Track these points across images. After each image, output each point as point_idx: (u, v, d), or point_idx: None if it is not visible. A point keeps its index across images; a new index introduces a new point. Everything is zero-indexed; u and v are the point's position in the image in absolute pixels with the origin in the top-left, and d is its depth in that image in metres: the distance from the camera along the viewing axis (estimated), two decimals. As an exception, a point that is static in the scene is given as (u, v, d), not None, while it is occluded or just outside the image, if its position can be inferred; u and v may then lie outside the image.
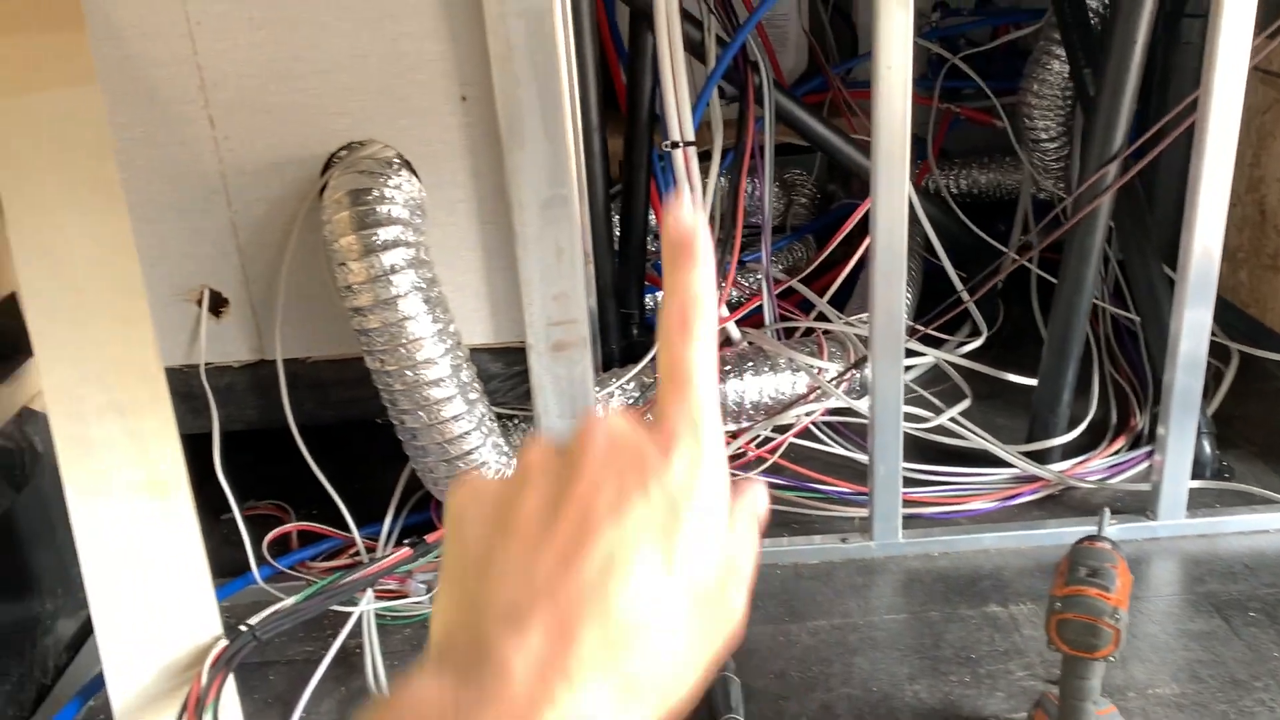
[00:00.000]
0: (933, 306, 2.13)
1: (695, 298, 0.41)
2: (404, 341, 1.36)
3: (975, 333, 2.08)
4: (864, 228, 2.05)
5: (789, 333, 1.99)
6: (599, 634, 0.34)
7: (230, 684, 1.29)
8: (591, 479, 0.37)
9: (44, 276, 1.27)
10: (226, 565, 1.63)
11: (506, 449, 1.54)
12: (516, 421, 1.63)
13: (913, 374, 2.03)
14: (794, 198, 2.61)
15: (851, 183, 2.55)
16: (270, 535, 1.67)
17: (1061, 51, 1.99)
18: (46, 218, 1.26)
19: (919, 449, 1.81)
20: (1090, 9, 1.91)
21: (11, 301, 1.39)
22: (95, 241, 1.27)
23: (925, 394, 1.91)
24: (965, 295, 1.95)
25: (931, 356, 1.91)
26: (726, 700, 1.31)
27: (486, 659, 0.33)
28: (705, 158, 1.90)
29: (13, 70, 1.25)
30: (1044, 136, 2.13)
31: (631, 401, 1.74)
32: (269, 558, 1.64)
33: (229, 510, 1.59)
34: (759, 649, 1.45)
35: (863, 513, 1.65)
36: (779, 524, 1.70)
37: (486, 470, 1.49)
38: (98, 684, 1.29)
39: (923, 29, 2.49)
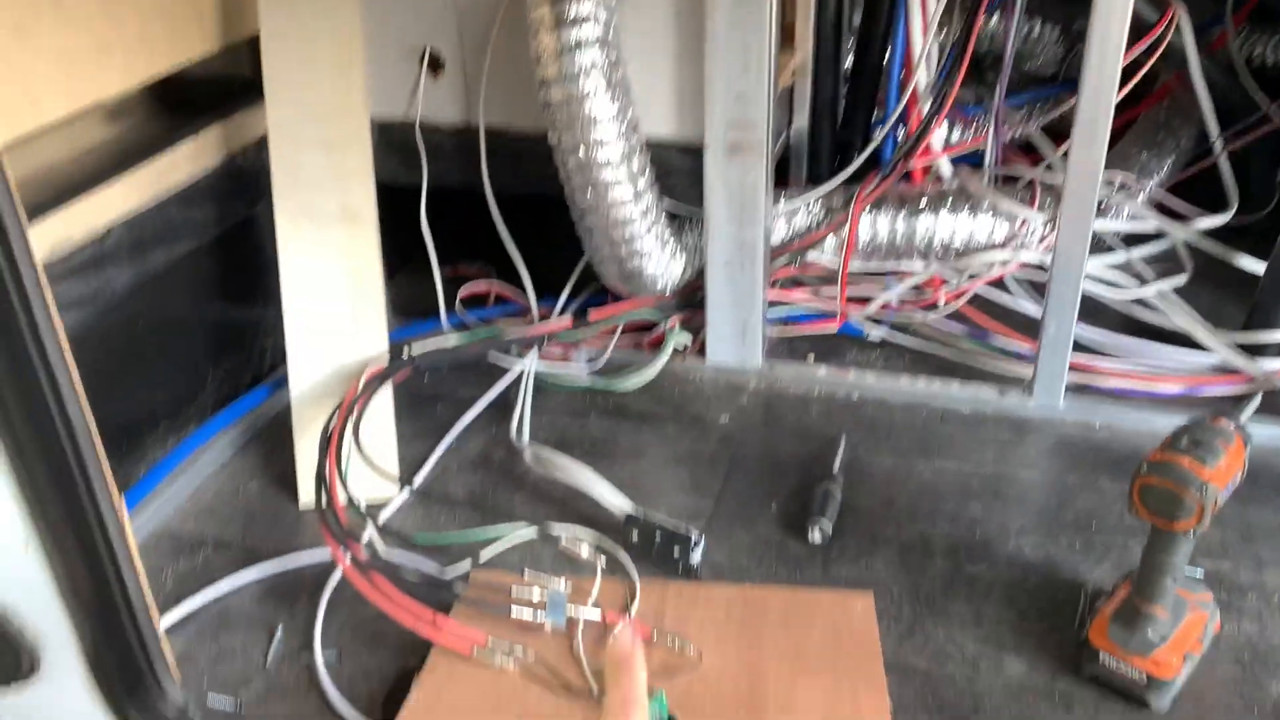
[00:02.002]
0: (1201, 184, 1.94)
1: (636, 699, 0.63)
2: (581, 118, 1.42)
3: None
4: (1142, 87, 1.88)
5: (1012, 182, 1.88)
6: None
7: (386, 396, 1.47)
8: None
9: (280, 21, 1.43)
10: (429, 312, 1.83)
11: (673, 245, 1.59)
12: (693, 222, 1.67)
13: (1148, 248, 1.87)
14: (1078, 47, 2.39)
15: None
16: (465, 290, 1.84)
17: None
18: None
19: (1118, 319, 1.69)
20: None
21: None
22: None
23: (1140, 264, 1.76)
24: (1223, 163, 1.74)
25: (1156, 225, 1.74)
26: (822, 508, 1.34)
27: None
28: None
29: None
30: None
31: (816, 224, 1.72)
32: (460, 310, 1.81)
33: (445, 266, 1.76)
34: (875, 475, 1.46)
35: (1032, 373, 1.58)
36: (942, 369, 1.67)
37: (647, 261, 1.56)
38: (285, 379, 1.51)
39: None
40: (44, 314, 0.89)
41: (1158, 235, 1.86)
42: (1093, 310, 1.69)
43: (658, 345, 1.70)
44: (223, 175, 1.52)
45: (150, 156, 1.40)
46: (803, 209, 1.72)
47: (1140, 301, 1.67)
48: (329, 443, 1.30)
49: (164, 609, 1.26)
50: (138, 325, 1.43)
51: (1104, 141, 1.36)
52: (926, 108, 1.73)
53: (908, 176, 1.80)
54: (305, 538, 1.39)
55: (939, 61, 1.75)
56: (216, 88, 1.60)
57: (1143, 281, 1.68)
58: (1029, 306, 1.75)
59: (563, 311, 1.77)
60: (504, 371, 1.68)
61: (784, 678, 1.11)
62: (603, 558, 1.27)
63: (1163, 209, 1.88)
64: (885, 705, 1.08)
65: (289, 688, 1.17)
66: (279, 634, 1.23)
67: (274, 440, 1.57)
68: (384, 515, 1.40)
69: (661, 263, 1.58)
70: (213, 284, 1.56)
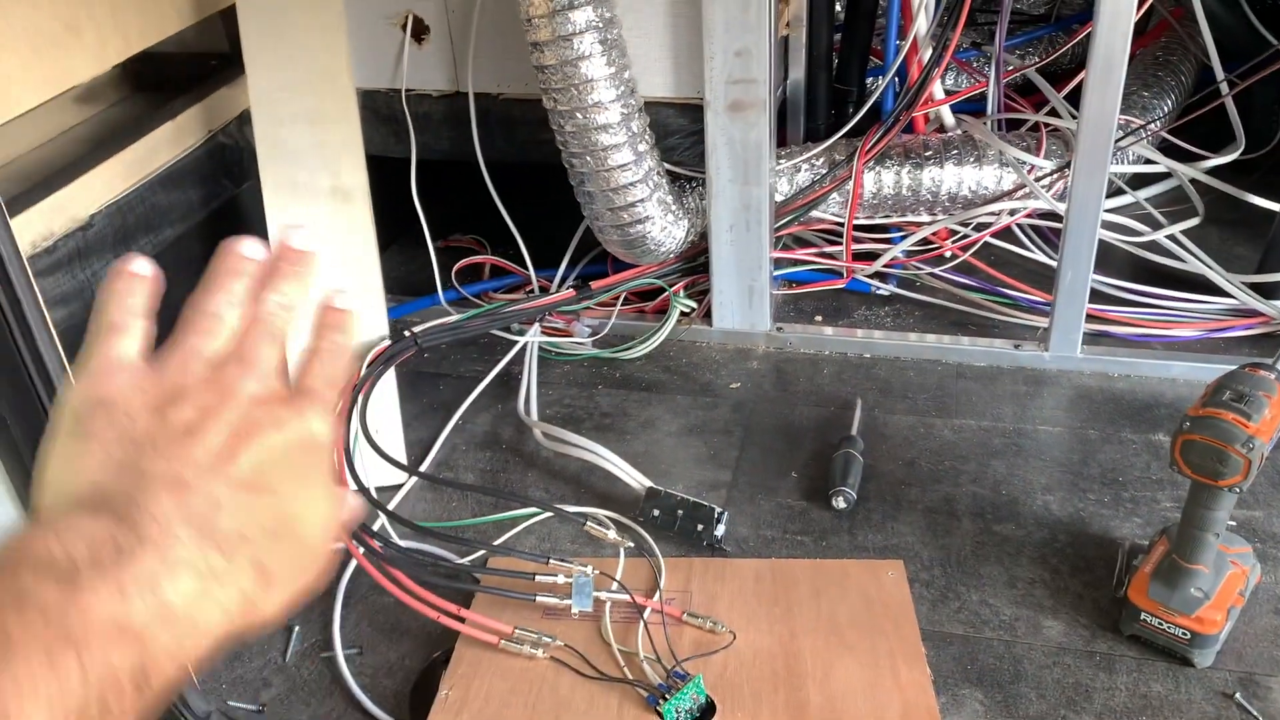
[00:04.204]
0: (1201, 120, 1.90)
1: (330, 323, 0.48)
2: (576, 82, 1.37)
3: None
4: (1139, 23, 1.83)
5: (1016, 126, 1.84)
6: (237, 514, 0.40)
7: (390, 378, 1.42)
8: (245, 416, 0.42)
9: (256, -14, 1.36)
10: (423, 287, 1.77)
11: (675, 208, 1.54)
12: (693, 184, 1.62)
13: (1154, 189, 1.84)
14: (1067, -15, 2.34)
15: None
16: (459, 264, 1.79)
17: None
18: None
19: (1132, 266, 1.66)
20: None
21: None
22: (301, -45, 1.34)
23: (1149, 207, 1.73)
24: (1229, 102, 1.71)
25: (1164, 166, 1.71)
26: (844, 474, 1.31)
27: (144, 510, 0.38)
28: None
29: None
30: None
31: (815, 180, 1.68)
32: (457, 285, 1.76)
33: (436, 239, 1.71)
34: (895, 436, 1.43)
35: (1047, 324, 1.55)
36: (955, 323, 1.63)
37: (650, 226, 1.51)
38: (285, 364, 1.46)
39: None
40: (34, 310, 0.85)
41: (1164, 176, 1.83)
42: (1100, 256, 1.66)
43: (661, 312, 1.66)
44: (205, 155, 1.46)
45: (130, 140, 1.33)
46: (805, 165, 1.67)
47: (1150, 244, 1.64)
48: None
49: (175, 611, 1.22)
50: (126, 317, 1.37)
51: (1119, 83, 1.32)
52: (927, 55, 1.68)
53: (909, 126, 1.76)
54: (314, 528, 1.35)
55: (936, 6, 1.70)
56: (193, 65, 1.54)
57: (1155, 225, 1.64)
58: (1038, 256, 1.72)
59: (562, 281, 1.73)
60: (505, 345, 1.64)
61: (820, 652, 1.08)
62: (625, 538, 1.23)
63: (1165, 148, 1.84)
64: (926, 675, 1.06)
65: (312, 687, 1.13)
66: (296, 631, 1.20)
67: (274, 428, 1.52)
68: (394, 502, 1.37)
69: (664, 227, 1.53)
70: (203, 269, 1.50)
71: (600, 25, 1.35)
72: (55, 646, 0.35)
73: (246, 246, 0.47)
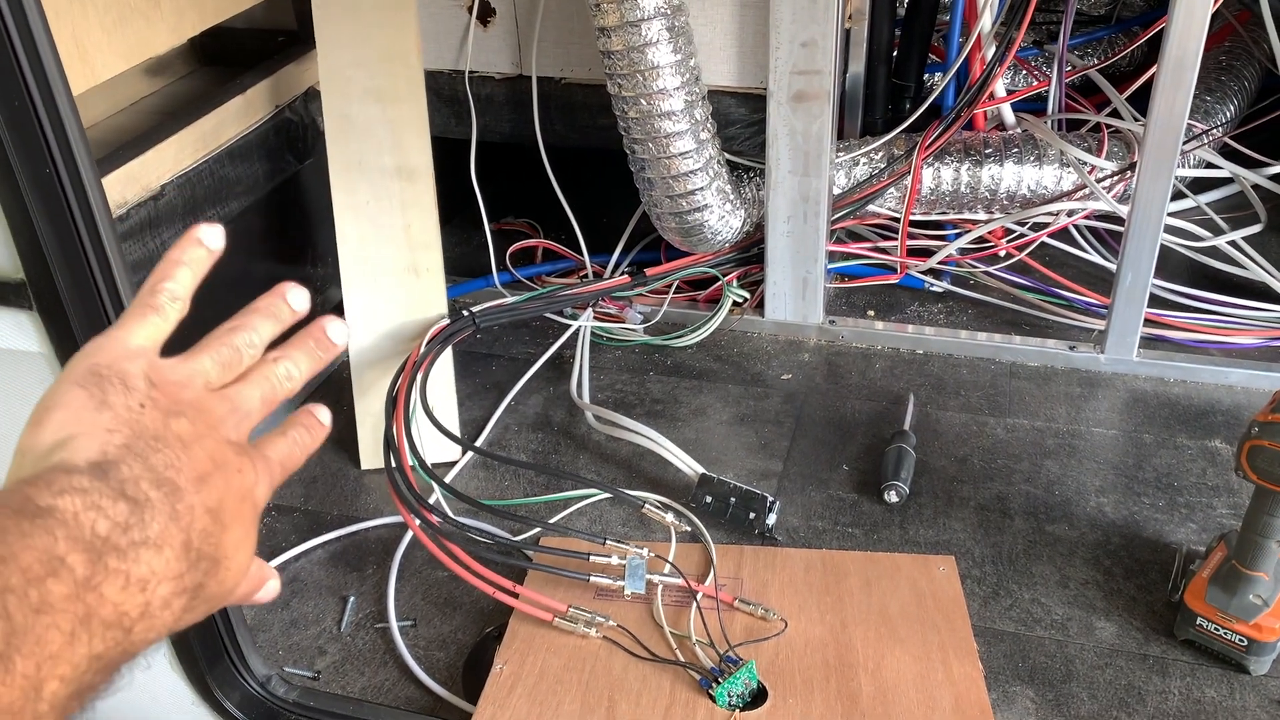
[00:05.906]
0: (1265, 126, 1.88)
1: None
2: (642, 68, 1.37)
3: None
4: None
5: (1075, 126, 1.82)
6: (205, 537, 0.42)
7: (447, 357, 1.44)
8: (216, 452, 0.44)
9: (330, -36, 1.37)
10: (476, 268, 1.79)
11: (733, 198, 1.54)
12: (751, 174, 1.62)
13: (1215, 194, 1.81)
14: (1132, -15, 2.31)
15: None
16: (513, 247, 1.80)
17: None
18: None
19: (1190, 271, 1.65)
20: None
21: (309, -11, 1.52)
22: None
23: (1210, 212, 1.71)
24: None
25: (1227, 171, 1.69)
26: (896, 468, 1.31)
27: (153, 507, 0.40)
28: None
29: None
30: None
31: (873, 174, 1.67)
32: (510, 267, 1.77)
33: (491, 222, 1.72)
34: (947, 433, 1.43)
35: (1103, 326, 1.54)
36: (1008, 323, 1.63)
37: (708, 214, 1.51)
38: (344, 338, 1.47)
39: None
40: (124, 274, 0.87)
41: (1226, 181, 1.81)
42: (1159, 260, 1.64)
43: (714, 301, 1.66)
44: (272, 130, 1.47)
45: (200, 113, 1.35)
46: (864, 159, 1.67)
47: (1210, 250, 1.62)
48: (395, 404, 1.27)
49: (233, 577, 1.24)
50: (191, 287, 1.39)
51: (1190, 85, 1.30)
52: (989, 53, 1.67)
53: (969, 123, 1.75)
54: (367, 500, 1.37)
55: (1000, 4, 1.68)
56: (260, 41, 1.55)
57: (1216, 231, 1.63)
58: (1094, 257, 1.71)
59: (616, 267, 1.73)
60: (558, 329, 1.65)
61: (871, 643, 1.09)
62: (681, 523, 1.24)
63: (1227, 153, 1.82)
64: (978, 670, 1.06)
65: (366, 657, 1.15)
66: (352, 601, 1.21)
67: (329, 401, 1.54)
68: (448, 478, 1.38)
69: (722, 216, 1.53)
70: (265, 241, 1.52)
71: (668, 12, 1.36)
72: (77, 621, 0.36)
73: (294, 295, 0.49)
